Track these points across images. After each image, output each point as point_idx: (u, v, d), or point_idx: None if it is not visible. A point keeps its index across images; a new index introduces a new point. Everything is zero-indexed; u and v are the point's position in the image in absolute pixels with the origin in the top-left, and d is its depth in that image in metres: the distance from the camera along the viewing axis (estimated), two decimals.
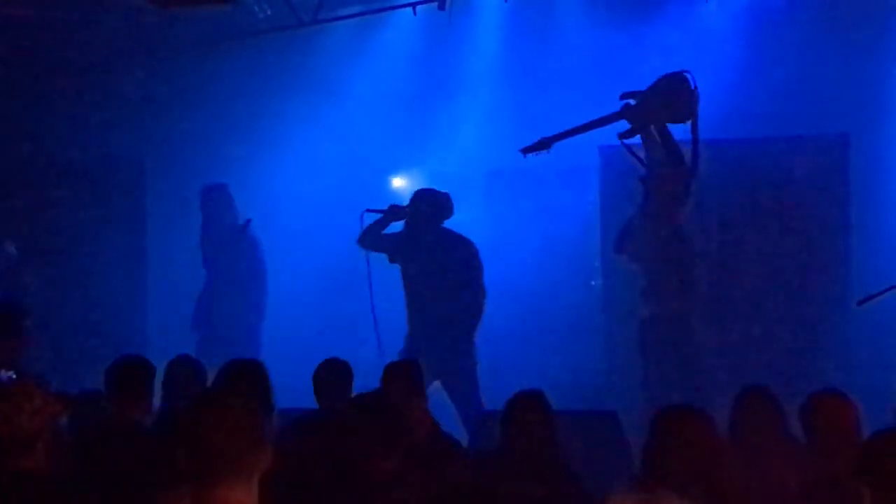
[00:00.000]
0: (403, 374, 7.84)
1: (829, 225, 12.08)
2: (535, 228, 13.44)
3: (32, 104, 13.04)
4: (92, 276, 13.13)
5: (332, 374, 7.94)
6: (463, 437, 8.99)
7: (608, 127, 11.03)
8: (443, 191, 11.13)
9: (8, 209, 12.67)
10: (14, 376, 8.02)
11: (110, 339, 11.65)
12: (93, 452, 6.55)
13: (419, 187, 11.43)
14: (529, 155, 11.17)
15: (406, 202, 11.19)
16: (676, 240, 10.76)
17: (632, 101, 10.72)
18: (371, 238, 11.20)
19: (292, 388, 8.04)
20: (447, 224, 11.08)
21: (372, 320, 11.27)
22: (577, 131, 11.00)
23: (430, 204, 10.96)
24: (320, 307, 13.48)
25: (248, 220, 12.58)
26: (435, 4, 12.91)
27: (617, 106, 10.83)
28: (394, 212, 11.17)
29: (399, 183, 14.36)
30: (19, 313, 8.96)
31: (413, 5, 13.01)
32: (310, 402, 7.98)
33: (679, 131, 10.80)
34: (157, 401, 7.60)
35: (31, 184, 13.07)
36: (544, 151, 11.06)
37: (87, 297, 12.82)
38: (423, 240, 10.94)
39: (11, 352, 8.60)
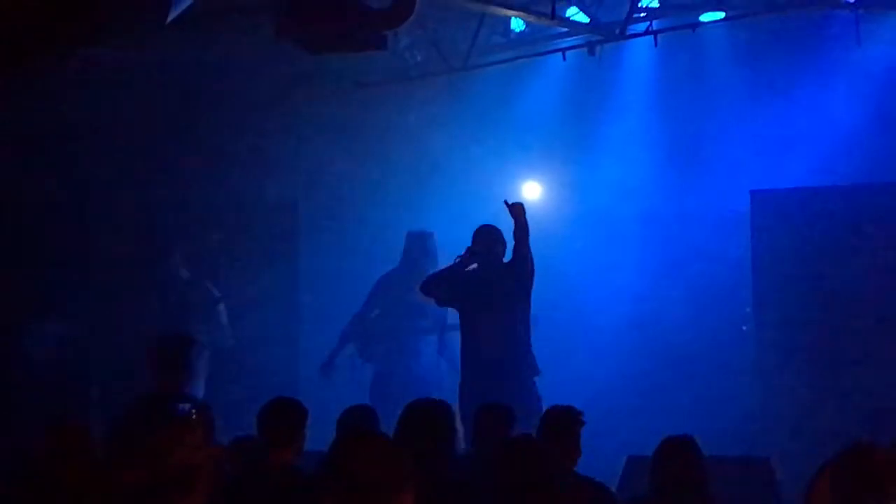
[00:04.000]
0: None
1: None
2: (688, 271, 13.39)
3: (188, 147, 13.27)
4: (245, 318, 13.30)
5: (491, 417, 7.93)
6: None
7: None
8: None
9: (166, 254, 12.88)
10: (191, 408, 8.11)
11: (263, 380, 11.77)
12: (247, 496, 6.61)
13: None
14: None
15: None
16: None
17: None
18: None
19: None
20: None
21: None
22: None
23: (497, 241, 10.79)
24: None
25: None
26: (584, 50, 12.99)
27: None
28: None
29: None
30: (186, 345, 9.07)
31: (563, 51, 13.07)
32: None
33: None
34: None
35: (187, 228, 13.27)
36: None
37: (241, 340, 12.97)
38: (486, 275, 10.74)
39: (177, 383, 8.73)
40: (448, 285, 10.86)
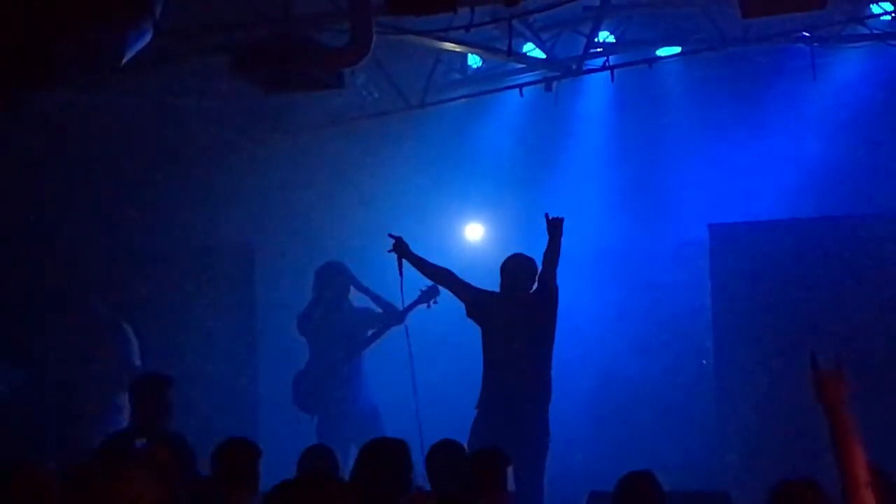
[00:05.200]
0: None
1: None
2: (645, 306, 13.39)
3: (142, 190, 13.19)
4: (202, 360, 13.19)
5: (445, 457, 7.89)
6: None
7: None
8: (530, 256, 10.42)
9: (121, 294, 12.77)
10: (145, 443, 8.11)
11: (220, 421, 11.67)
12: None
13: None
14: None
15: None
16: None
17: None
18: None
19: None
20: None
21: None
22: None
23: (528, 274, 10.33)
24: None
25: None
26: (541, 86, 13.02)
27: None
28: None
29: None
30: (165, 384, 9.07)
31: (520, 87, 13.10)
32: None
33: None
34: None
35: (143, 270, 13.16)
36: None
37: (197, 382, 12.87)
38: (509, 305, 10.30)
39: (157, 422, 8.82)
40: (477, 306, 10.43)
